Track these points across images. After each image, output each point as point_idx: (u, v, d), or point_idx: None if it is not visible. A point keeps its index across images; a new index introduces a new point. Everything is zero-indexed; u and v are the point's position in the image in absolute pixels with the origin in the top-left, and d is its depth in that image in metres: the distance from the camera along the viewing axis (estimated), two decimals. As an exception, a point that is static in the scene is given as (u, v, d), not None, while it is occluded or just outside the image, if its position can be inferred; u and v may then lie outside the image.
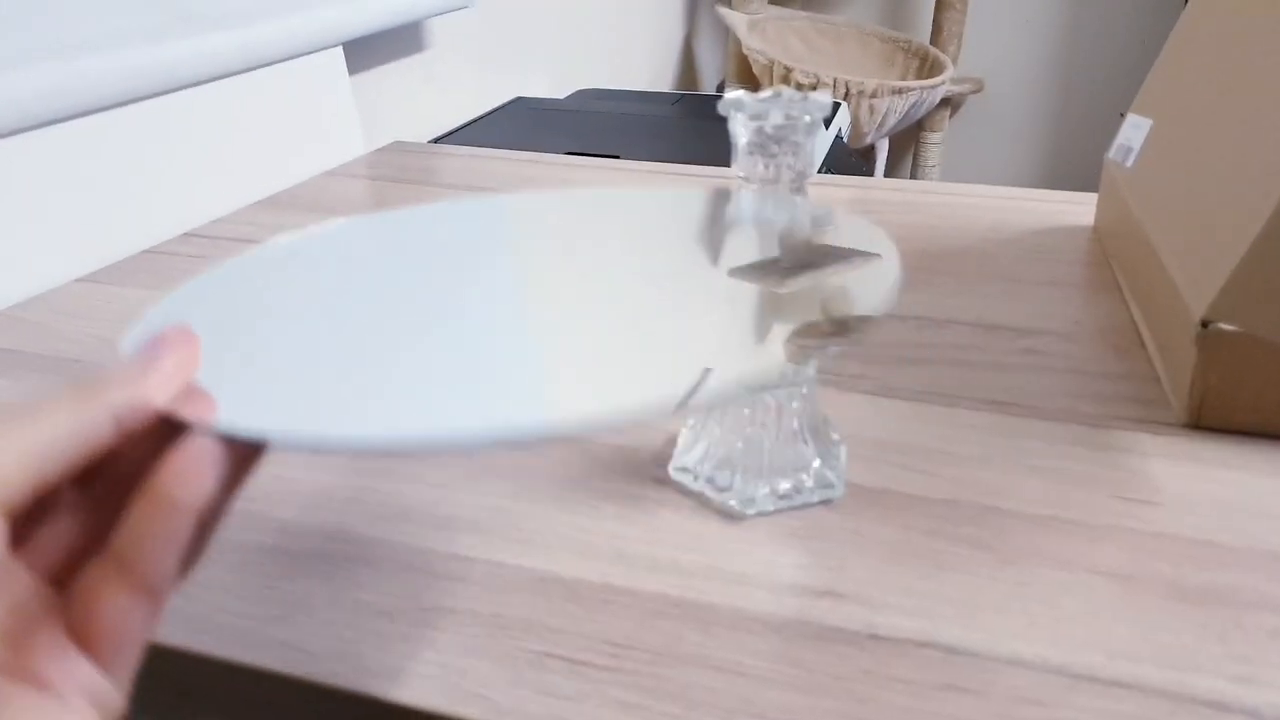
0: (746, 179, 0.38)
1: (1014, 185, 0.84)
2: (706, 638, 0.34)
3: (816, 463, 0.41)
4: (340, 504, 0.41)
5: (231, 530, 0.39)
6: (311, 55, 0.86)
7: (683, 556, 0.38)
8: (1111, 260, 0.66)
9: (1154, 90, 0.67)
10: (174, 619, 0.35)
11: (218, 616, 0.35)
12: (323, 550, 0.38)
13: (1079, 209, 0.76)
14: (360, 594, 0.36)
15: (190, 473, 0.21)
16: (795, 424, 0.41)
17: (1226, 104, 0.54)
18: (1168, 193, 0.57)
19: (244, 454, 0.23)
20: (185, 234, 0.72)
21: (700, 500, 0.41)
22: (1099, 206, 0.72)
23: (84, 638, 0.21)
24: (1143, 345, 0.55)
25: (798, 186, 0.38)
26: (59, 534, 0.23)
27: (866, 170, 1.50)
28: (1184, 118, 0.60)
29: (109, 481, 0.23)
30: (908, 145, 2.31)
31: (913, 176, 2.24)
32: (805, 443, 0.41)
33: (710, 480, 0.41)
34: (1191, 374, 0.46)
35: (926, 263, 0.67)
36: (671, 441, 0.45)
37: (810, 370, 0.40)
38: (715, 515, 0.40)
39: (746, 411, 0.40)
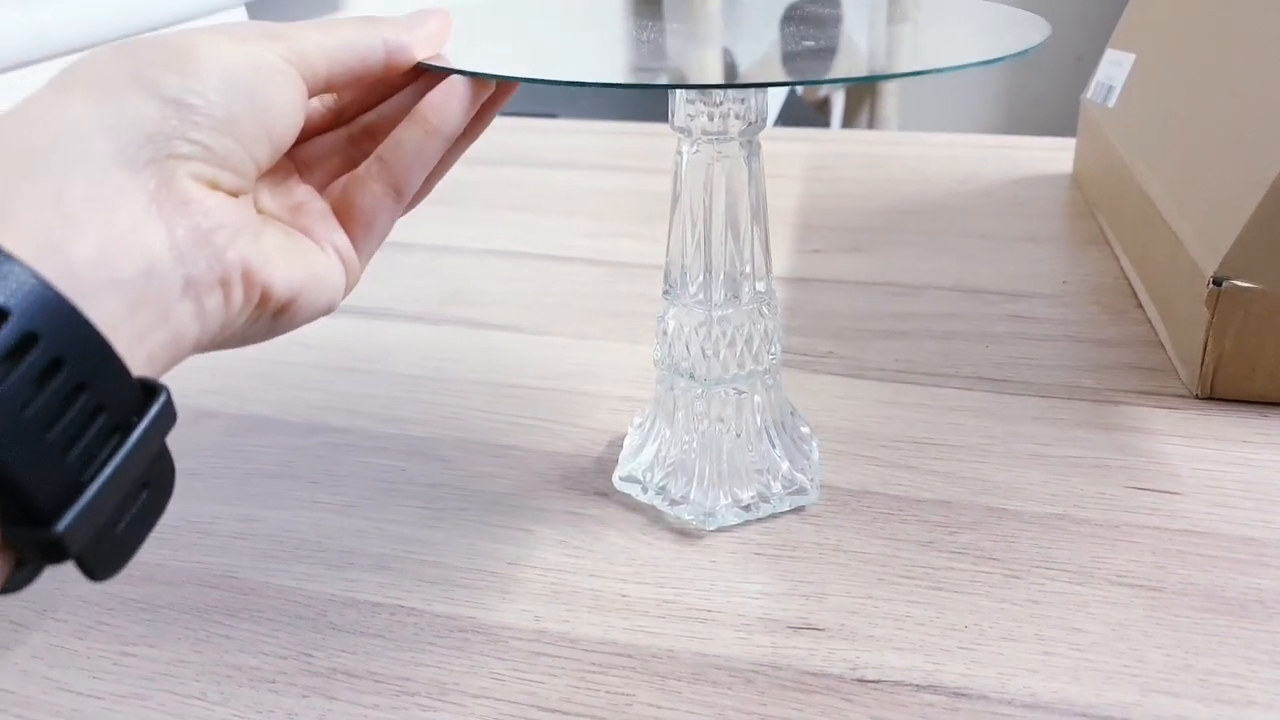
0: (685, 131, 0.31)
1: (975, 134, 0.78)
2: (662, 695, 0.28)
3: (785, 465, 0.35)
4: (222, 540, 0.34)
5: (82, 579, 0.32)
6: (209, 17, 0.78)
7: (631, 590, 0.31)
8: (1096, 211, 0.60)
9: (1135, 22, 0.61)
10: (4, 700, 0.28)
11: (57, 698, 0.28)
12: (195, 602, 0.32)
13: (1055, 155, 0.70)
14: (238, 657, 0.29)
15: (446, 106, 0.26)
16: (759, 420, 0.35)
17: (1219, 33, 0.48)
18: (1161, 135, 0.51)
19: (485, 99, 0.28)
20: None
21: (651, 516, 0.35)
22: (1078, 152, 0.66)
23: (343, 215, 0.27)
24: (1139, 305, 0.49)
25: (749, 139, 0.31)
26: (323, 156, 0.28)
27: (823, 123, 1.44)
28: (1172, 51, 0.54)
29: (361, 129, 0.29)
30: (864, 97, 2.25)
31: (870, 128, 2.18)
32: (771, 442, 0.35)
33: (662, 491, 0.35)
34: (1203, 338, 0.41)
35: (895, 221, 0.60)
36: (615, 445, 0.39)
37: (774, 356, 0.34)
38: (669, 533, 0.34)
39: (700, 406, 0.34)
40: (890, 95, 2.10)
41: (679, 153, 0.32)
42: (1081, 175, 0.65)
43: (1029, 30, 0.28)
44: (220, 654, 0.29)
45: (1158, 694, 0.28)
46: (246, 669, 0.29)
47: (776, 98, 1.06)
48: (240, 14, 0.82)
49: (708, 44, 0.32)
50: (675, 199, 0.32)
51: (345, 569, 0.33)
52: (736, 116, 0.31)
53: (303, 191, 0.27)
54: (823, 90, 1.71)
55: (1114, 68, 0.60)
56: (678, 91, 0.31)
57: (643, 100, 0.99)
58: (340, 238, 0.27)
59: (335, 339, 0.48)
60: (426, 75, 0.27)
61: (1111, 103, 0.59)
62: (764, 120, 0.31)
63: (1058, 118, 2.21)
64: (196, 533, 0.35)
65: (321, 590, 0.32)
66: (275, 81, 0.24)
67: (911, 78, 0.24)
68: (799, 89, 1.29)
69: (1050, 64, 2.19)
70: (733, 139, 0.31)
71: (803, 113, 1.19)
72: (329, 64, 0.25)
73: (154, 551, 0.34)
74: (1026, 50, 0.25)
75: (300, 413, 0.42)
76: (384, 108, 0.29)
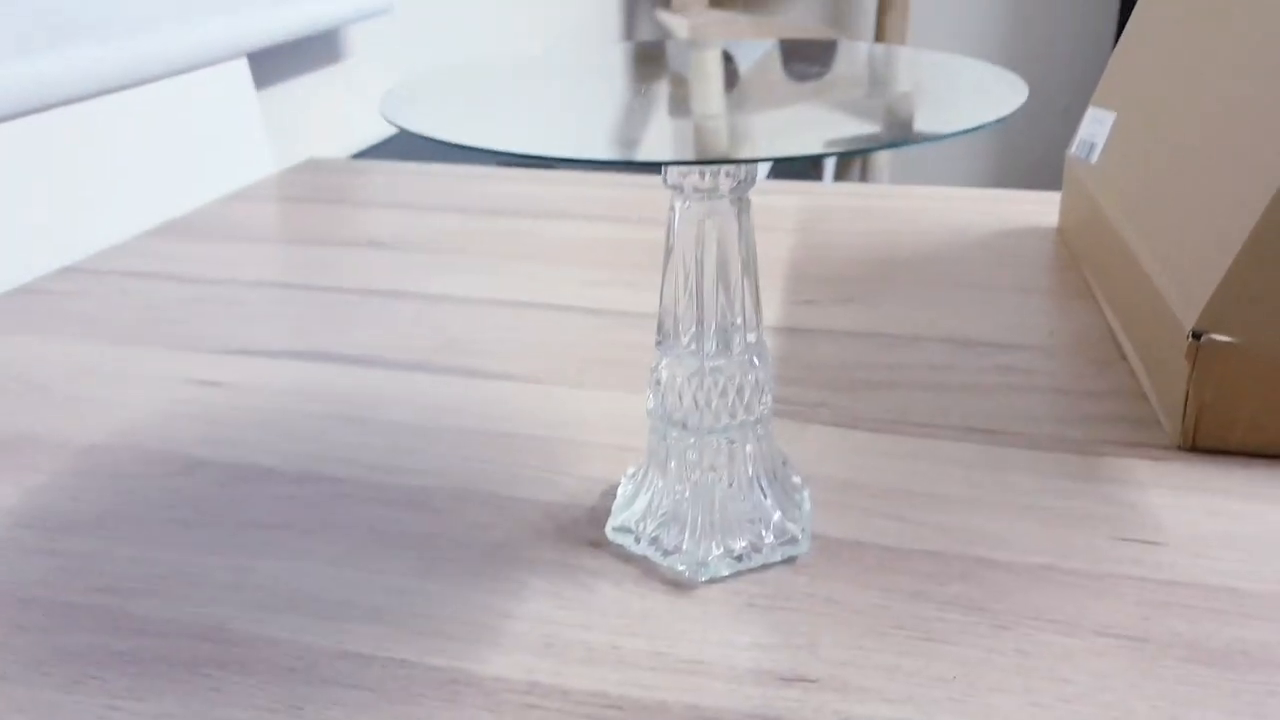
0: (678, 189, 0.32)
1: (965, 187, 0.79)
2: (653, 747, 0.28)
3: (776, 514, 0.36)
4: (214, 591, 0.34)
5: (74, 631, 0.32)
6: (211, 68, 0.79)
7: (624, 642, 0.32)
8: (1081, 263, 0.61)
9: (1115, 81, 0.62)
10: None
11: (50, 750, 0.28)
12: (185, 654, 0.32)
13: (1042, 209, 0.72)
14: (226, 710, 0.29)
15: None
16: (750, 470, 0.35)
17: (1196, 91, 0.49)
18: (1141, 190, 0.52)
19: None
20: (64, 268, 0.65)
21: (643, 567, 0.35)
22: (1063, 206, 0.67)
23: None
24: (1124, 358, 0.50)
25: (739, 196, 0.32)
26: None
27: (815, 175, 1.46)
28: (1151, 108, 0.55)
29: None
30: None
31: (862, 181, 2.20)
32: (762, 491, 0.36)
33: (655, 541, 0.35)
34: (1184, 390, 0.41)
35: (887, 272, 0.61)
36: (609, 495, 0.39)
37: (765, 406, 0.35)
38: (662, 584, 0.34)
39: (693, 456, 0.35)
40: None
41: (672, 208, 0.33)
42: (1067, 229, 0.66)
43: (1008, 92, 0.29)
44: (208, 708, 0.30)
45: (1145, 746, 0.28)
46: (239, 720, 0.29)
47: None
48: (242, 65, 0.83)
49: (700, 111, 0.33)
50: (668, 252, 0.33)
51: (338, 620, 0.33)
52: (727, 175, 0.32)
53: None
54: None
55: (1096, 125, 0.62)
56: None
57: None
58: None
59: (331, 388, 0.48)
60: None
61: (1094, 159, 0.60)
62: (753, 179, 0.32)
63: (1046, 168, 2.25)
64: (188, 584, 0.35)
65: (313, 642, 0.32)
66: None
67: (894, 148, 0.25)
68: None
69: (1038, 116, 2.22)
70: (723, 196, 0.32)
71: (795, 167, 1.21)
72: None
73: (143, 602, 0.34)
74: (1002, 118, 0.26)
75: (295, 462, 0.42)
76: None
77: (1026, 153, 2.28)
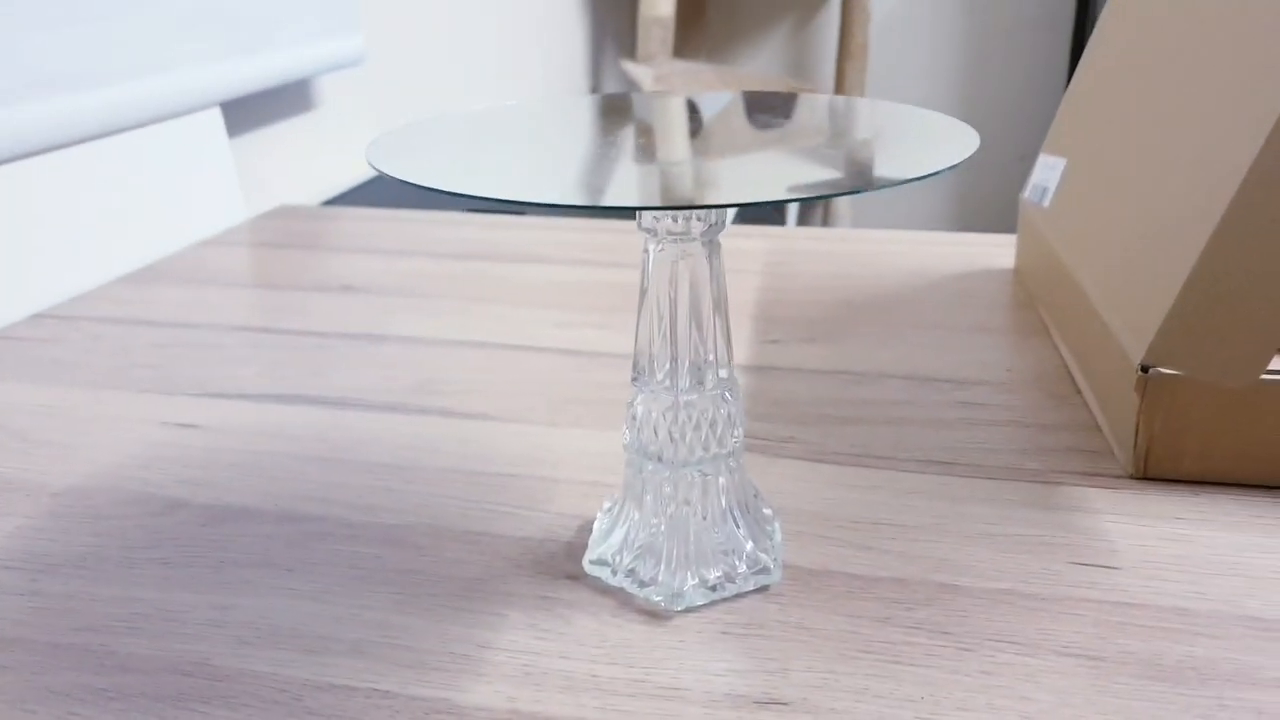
0: (651, 232, 0.33)
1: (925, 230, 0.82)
2: (632, 770, 0.29)
3: (749, 545, 0.37)
4: (196, 628, 0.35)
5: (58, 670, 0.33)
6: (184, 117, 0.80)
7: (602, 670, 0.33)
8: (1037, 303, 0.63)
9: (1065, 128, 0.65)
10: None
11: (35, 786, 0.29)
12: (169, 690, 0.32)
13: (999, 251, 0.74)
14: (216, 743, 0.30)
15: None
16: (723, 501, 0.37)
17: (1139, 137, 0.52)
18: (1090, 231, 0.54)
19: None
20: (35, 315, 0.65)
21: (620, 599, 0.36)
22: (1019, 248, 0.70)
23: None
24: (1079, 392, 0.52)
25: (710, 239, 0.34)
26: None
27: (779, 220, 1.49)
28: (1097, 154, 0.58)
29: None
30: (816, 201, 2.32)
31: (825, 225, 2.25)
32: (735, 522, 0.37)
33: (631, 573, 0.36)
34: (1135, 422, 0.43)
35: (852, 313, 0.63)
36: (585, 529, 0.40)
37: (737, 439, 0.36)
38: (638, 615, 0.35)
39: (668, 489, 0.36)
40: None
41: (645, 250, 0.34)
42: (1023, 270, 0.68)
43: (962, 141, 0.31)
44: (198, 739, 0.30)
45: (1104, 760, 0.29)
46: (224, 753, 0.30)
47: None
48: (215, 114, 0.85)
49: (667, 158, 0.35)
50: (643, 293, 0.34)
51: (320, 654, 0.33)
52: (698, 219, 0.33)
53: None
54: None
55: (1048, 171, 0.64)
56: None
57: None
58: None
59: (309, 429, 0.49)
60: None
61: (1046, 203, 0.62)
62: (724, 222, 0.34)
63: (1004, 214, 2.30)
64: (170, 621, 0.35)
65: (296, 675, 0.33)
66: None
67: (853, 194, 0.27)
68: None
69: (994, 163, 2.28)
70: (695, 239, 0.33)
71: (760, 211, 1.24)
72: None
73: (127, 640, 0.34)
74: (954, 165, 0.28)
75: (274, 502, 0.43)
76: None
77: (984, 198, 2.34)
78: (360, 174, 1.12)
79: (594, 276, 0.72)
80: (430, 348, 0.59)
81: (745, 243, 0.78)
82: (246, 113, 0.94)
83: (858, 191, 0.26)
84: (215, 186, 0.85)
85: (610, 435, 0.48)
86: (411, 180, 0.28)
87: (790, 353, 0.57)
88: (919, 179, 0.26)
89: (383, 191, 1.07)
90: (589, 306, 0.66)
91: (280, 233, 0.84)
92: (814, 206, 2.35)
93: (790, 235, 0.80)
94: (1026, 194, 0.67)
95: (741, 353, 0.57)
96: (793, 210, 1.99)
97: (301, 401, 0.52)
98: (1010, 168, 2.27)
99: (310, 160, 1.05)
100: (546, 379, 0.55)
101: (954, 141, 0.31)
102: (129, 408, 0.52)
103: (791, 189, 0.27)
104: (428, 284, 0.69)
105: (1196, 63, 0.49)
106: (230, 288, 0.71)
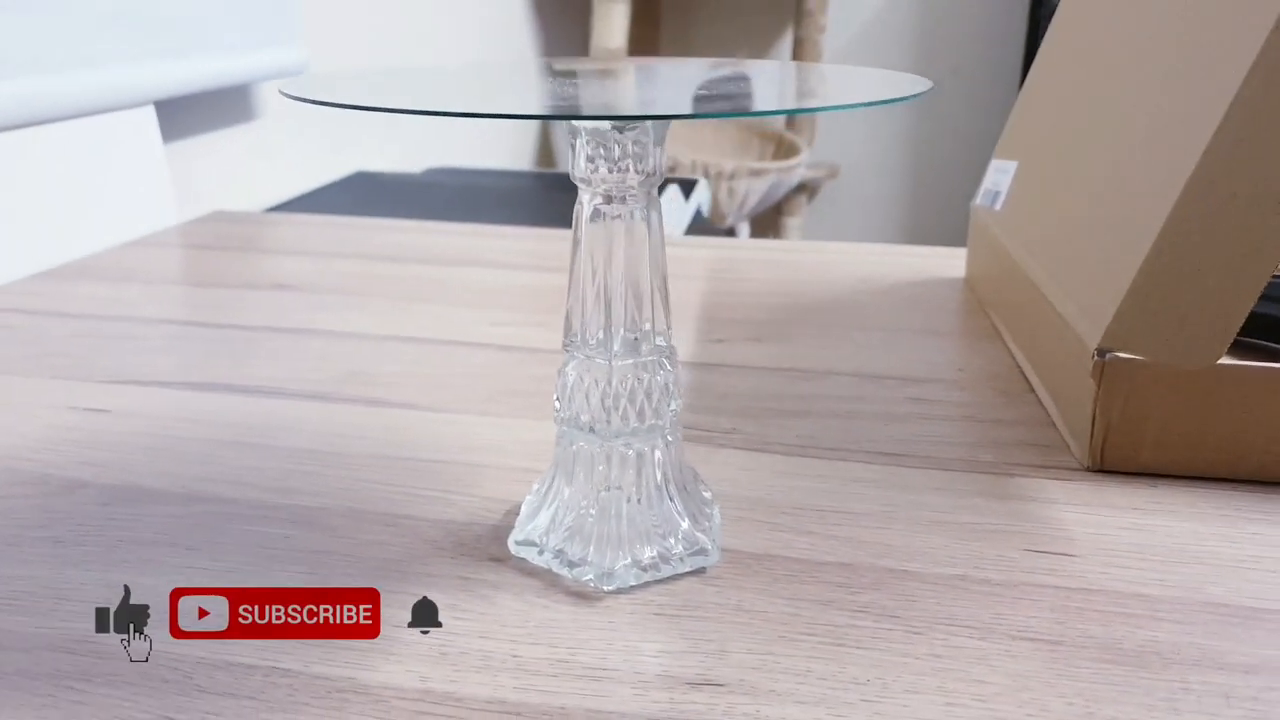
0: (586, 182, 0.31)
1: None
2: (553, 753, 0.26)
3: (685, 524, 0.34)
4: (84, 606, 0.32)
5: (-79, 651, 0.29)
6: (115, 113, 0.77)
7: (524, 650, 0.30)
8: (988, 308, 0.62)
9: (1017, 133, 0.65)
10: None
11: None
12: (49, 668, 0.29)
13: (949, 262, 0.73)
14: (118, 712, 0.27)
15: None
16: (659, 477, 0.34)
17: (1092, 130, 0.52)
18: (1044, 229, 0.53)
19: None
20: (-56, 304, 0.62)
21: (547, 580, 0.33)
22: (969, 255, 0.69)
23: None
24: (1032, 390, 0.51)
25: (647, 191, 0.32)
26: None
27: (730, 235, 1.48)
28: (1051, 152, 0.57)
29: None
30: (768, 229, 2.33)
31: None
32: (671, 500, 0.35)
33: (559, 554, 0.34)
34: (1091, 410, 0.42)
35: (797, 315, 0.62)
36: (513, 513, 0.37)
37: (674, 411, 0.34)
38: (566, 595, 0.33)
39: (600, 467, 0.33)
40: (793, 218, 2.19)
41: (579, 202, 0.32)
42: (974, 276, 0.68)
43: (916, 87, 0.30)
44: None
45: (1062, 743, 0.27)
46: (97, 737, 0.26)
47: (682, 211, 1.09)
48: (149, 114, 0.82)
49: (614, 93, 0.33)
50: (575, 245, 0.32)
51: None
52: (636, 170, 0.31)
53: None
54: (729, 218, 1.78)
55: (999, 175, 0.64)
56: (579, 142, 0.31)
57: (564, 209, 1.01)
58: None
59: (223, 415, 0.46)
60: None
61: (998, 206, 0.62)
62: (661, 174, 0.32)
63: (951, 235, 2.32)
64: (56, 599, 0.32)
65: (189, 653, 0.29)
66: None
67: (817, 112, 0.25)
68: (704, 210, 1.33)
69: (947, 201, 2.31)
70: (633, 191, 0.31)
71: (710, 224, 1.23)
72: None
73: (7, 618, 0.31)
74: (919, 94, 0.26)
75: (181, 484, 0.40)
76: None
77: (936, 234, 2.36)
78: (302, 185, 1.09)
79: (533, 280, 0.70)
80: (362, 341, 0.56)
81: (692, 251, 0.77)
82: (186, 117, 0.91)
83: (804, 111, 0.24)
84: (145, 187, 0.81)
85: (546, 424, 0.45)
86: (324, 100, 0.26)
87: (735, 351, 0.56)
88: (868, 105, 0.25)
89: (322, 204, 1.04)
90: (528, 307, 0.63)
91: (212, 235, 0.81)
92: (765, 228, 2.36)
93: (738, 245, 0.79)
94: (978, 200, 0.66)
95: (684, 350, 0.55)
96: (744, 231, 1.99)
97: (221, 390, 0.48)
98: (959, 190, 2.30)
99: (250, 170, 1.03)
100: (481, 372, 0.52)
101: (906, 87, 0.30)
102: (38, 394, 0.49)
103: (720, 107, 0.25)
104: (364, 284, 0.67)
105: (1150, 49, 0.48)
106: (156, 284, 0.68)
